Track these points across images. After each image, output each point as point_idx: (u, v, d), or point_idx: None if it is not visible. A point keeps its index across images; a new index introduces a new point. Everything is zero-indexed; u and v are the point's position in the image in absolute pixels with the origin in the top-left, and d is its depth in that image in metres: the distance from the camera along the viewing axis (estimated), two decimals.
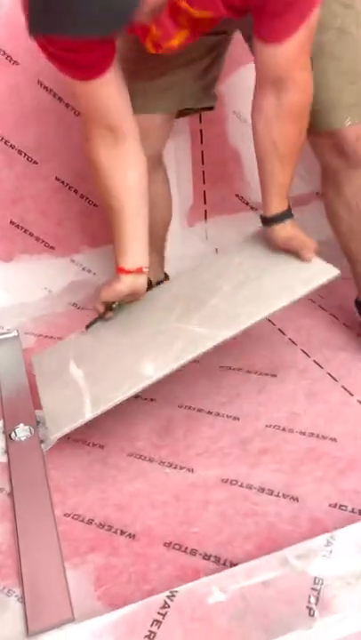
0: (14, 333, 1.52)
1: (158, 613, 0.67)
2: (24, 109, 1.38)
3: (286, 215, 1.09)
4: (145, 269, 1.12)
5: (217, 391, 1.20)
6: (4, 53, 1.32)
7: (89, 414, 0.99)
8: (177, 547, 0.86)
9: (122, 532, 0.89)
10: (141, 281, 1.13)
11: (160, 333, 1.08)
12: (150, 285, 1.34)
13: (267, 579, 0.70)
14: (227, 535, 0.87)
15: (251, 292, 1.07)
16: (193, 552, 0.84)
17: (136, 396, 1.17)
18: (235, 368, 1.27)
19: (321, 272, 1.04)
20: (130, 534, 0.89)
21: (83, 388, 1.05)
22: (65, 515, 0.94)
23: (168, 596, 0.69)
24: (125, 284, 1.12)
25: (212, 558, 0.83)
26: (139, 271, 1.12)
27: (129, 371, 1.03)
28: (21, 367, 1.37)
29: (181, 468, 1.01)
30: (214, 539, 0.86)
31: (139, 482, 0.99)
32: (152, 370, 1.01)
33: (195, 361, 1.03)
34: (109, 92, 0.99)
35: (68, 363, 1.14)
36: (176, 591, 0.70)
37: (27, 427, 1.15)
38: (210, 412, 1.14)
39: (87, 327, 1.20)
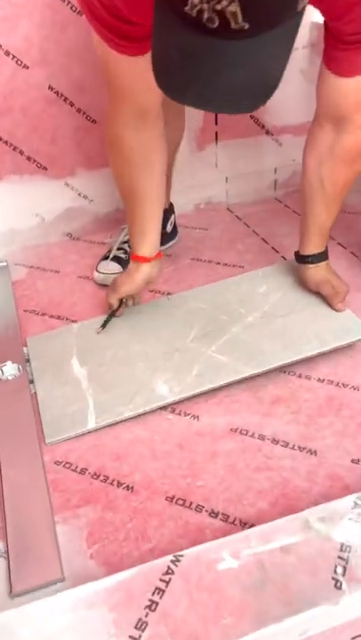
0: (3, 263, 1.39)
1: (161, 580, 0.58)
2: (14, 2, 1.18)
3: (322, 257, 1.07)
4: (161, 254, 1.09)
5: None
6: None
7: (92, 424, 0.89)
8: (180, 502, 0.76)
9: (119, 484, 0.80)
10: (159, 267, 1.09)
11: (176, 351, 1.01)
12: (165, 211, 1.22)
13: (286, 544, 0.61)
14: (236, 491, 0.77)
15: (277, 330, 1.02)
16: (198, 508, 0.75)
17: None
18: None
19: (353, 328, 1.00)
20: (127, 486, 0.79)
21: (86, 390, 0.95)
22: (55, 462, 0.84)
23: (172, 561, 0.60)
24: (145, 272, 1.06)
25: (219, 516, 0.74)
26: (158, 256, 1.07)
27: (140, 385, 0.95)
28: (10, 300, 1.25)
29: (186, 414, 0.91)
30: (222, 494, 0.77)
31: (138, 428, 0.89)
32: (166, 391, 0.93)
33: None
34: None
35: (69, 356, 1.03)
36: (181, 555, 0.61)
37: (15, 365, 1.04)
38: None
39: (103, 326, 1.09)
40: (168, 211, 1.37)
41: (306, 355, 0.96)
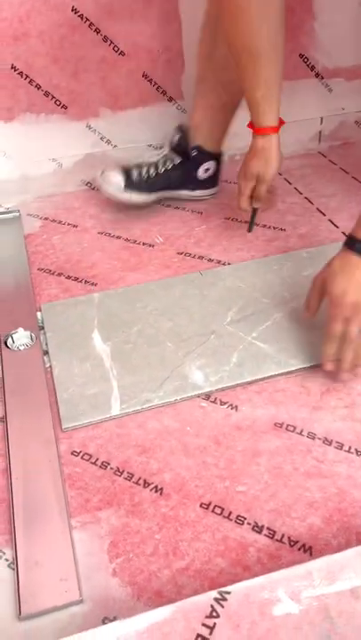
0: (15, 213, 1.25)
1: (204, 625, 0.48)
2: None
3: None
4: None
5: None
6: None
7: (116, 410, 0.78)
8: (218, 510, 0.65)
9: (145, 484, 0.69)
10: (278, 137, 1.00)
11: (212, 334, 0.89)
12: (202, 152, 1.18)
13: (357, 585, 0.50)
14: (283, 500, 0.66)
15: (326, 320, 0.78)
16: (239, 520, 0.64)
17: None
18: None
19: None
20: (156, 487, 0.68)
21: (109, 370, 0.84)
22: (72, 453, 0.73)
23: (217, 599, 0.49)
24: (277, 144, 0.99)
25: (264, 530, 0.63)
26: (278, 129, 0.99)
27: (171, 369, 0.83)
28: (23, 256, 1.12)
29: (222, 402, 0.79)
30: (267, 503, 0.66)
31: (167, 416, 0.77)
32: (201, 379, 0.82)
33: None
34: None
35: (90, 329, 0.92)
36: (227, 592, 0.50)
37: (27, 332, 0.92)
38: None
39: (250, 230, 1.10)
40: (211, 155, 1.21)
41: None
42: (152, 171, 1.18)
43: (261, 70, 0.92)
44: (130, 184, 1.16)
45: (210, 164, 1.22)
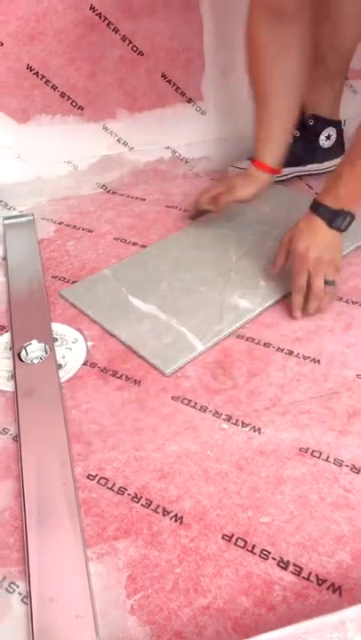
0: (29, 217, 1.22)
1: None
2: None
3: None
4: (280, 171, 1.06)
5: (288, 320, 0.92)
6: None
7: (200, 346, 0.86)
8: (241, 543, 0.62)
9: (165, 512, 0.66)
10: (271, 183, 1.05)
11: (230, 271, 1.02)
12: (319, 119, 1.24)
13: None
14: (310, 533, 0.63)
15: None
16: (264, 554, 0.61)
17: None
18: None
19: None
20: (176, 516, 0.65)
21: (169, 321, 0.92)
22: (88, 476, 0.70)
23: None
24: (265, 182, 1.04)
25: (290, 567, 0.60)
26: (276, 171, 1.03)
27: (221, 304, 0.94)
28: (37, 263, 1.09)
29: (244, 424, 0.75)
30: (293, 536, 0.63)
31: (187, 438, 0.74)
32: (249, 304, 0.94)
33: None
34: None
35: (124, 296, 0.98)
36: None
37: (41, 344, 0.89)
38: (280, 349, 0.87)
39: (192, 218, 1.17)
40: (329, 121, 1.24)
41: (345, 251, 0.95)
42: None
43: (266, 112, 0.98)
44: None
45: (330, 130, 1.25)
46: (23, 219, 1.22)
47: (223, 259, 1.05)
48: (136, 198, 1.28)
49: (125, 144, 1.27)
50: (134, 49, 1.15)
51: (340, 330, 0.89)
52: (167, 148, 1.29)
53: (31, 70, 1.11)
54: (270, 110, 0.98)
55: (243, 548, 0.62)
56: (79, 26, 1.09)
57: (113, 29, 1.11)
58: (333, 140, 1.26)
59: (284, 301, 0.95)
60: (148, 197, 1.28)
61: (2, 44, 1.06)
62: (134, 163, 1.30)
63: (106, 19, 1.09)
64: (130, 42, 1.14)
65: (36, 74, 1.12)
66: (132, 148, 1.28)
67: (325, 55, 1.15)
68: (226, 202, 1.06)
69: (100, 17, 1.09)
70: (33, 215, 1.22)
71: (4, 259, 1.10)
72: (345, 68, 1.20)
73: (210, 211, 1.12)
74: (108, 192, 1.31)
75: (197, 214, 1.16)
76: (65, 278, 1.05)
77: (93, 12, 1.08)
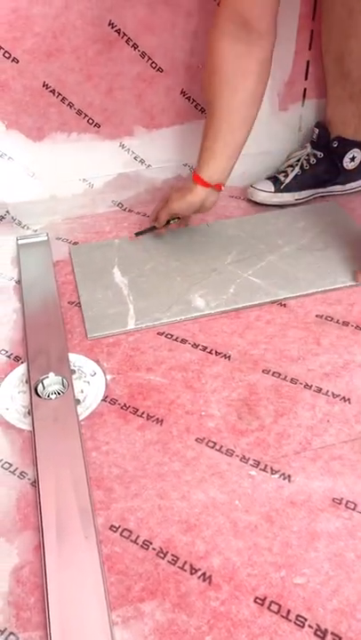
0: (43, 237, 1.19)
1: None
2: None
3: None
4: (222, 188, 1.03)
5: (315, 353, 0.88)
6: None
7: (131, 325, 0.95)
8: (275, 607, 0.59)
9: (192, 570, 0.62)
10: (213, 198, 1.04)
11: (213, 271, 1.06)
12: (343, 141, 1.21)
13: None
14: (347, 596, 0.59)
15: (313, 262, 1.06)
16: (299, 621, 0.58)
17: (204, 348, 0.88)
18: (338, 320, 0.94)
19: None
20: (204, 575, 0.62)
21: (127, 296, 1.01)
22: (111, 528, 0.67)
23: None
24: (200, 196, 1.02)
25: (328, 636, 0.56)
26: (216, 187, 1.02)
27: (178, 296, 1.00)
28: (52, 287, 1.05)
29: (273, 471, 0.72)
30: (330, 600, 0.59)
31: (213, 485, 0.71)
32: (203, 304, 0.98)
33: (280, 303, 0.98)
34: None
35: (111, 266, 1.09)
36: None
37: (58, 377, 0.86)
38: (308, 386, 0.83)
39: (137, 234, 1.16)
40: (354, 143, 1.20)
41: (339, 285, 0.99)
42: (298, 170, 1.21)
43: (213, 126, 0.96)
44: (279, 187, 1.22)
45: (354, 152, 1.21)
46: (37, 238, 1.19)
47: (219, 258, 1.08)
48: None
49: (142, 162, 1.23)
50: (153, 65, 1.11)
51: None
52: (185, 165, 1.26)
53: (47, 88, 1.07)
54: (220, 124, 0.96)
55: (277, 613, 0.58)
56: (97, 42, 1.05)
57: (132, 45, 1.07)
58: (358, 161, 1.22)
59: (249, 314, 0.96)
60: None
61: (17, 62, 1.03)
62: (151, 180, 1.26)
63: (125, 35, 1.06)
64: (149, 58, 1.10)
65: (53, 91, 1.08)
66: (149, 166, 1.24)
67: (351, 72, 1.11)
68: (160, 214, 1.09)
69: (118, 33, 1.05)
70: (47, 235, 1.19)
71: (19, 282, 1.07)
72: None
73: (154, 227, 1.13)
74: (125, 210, 1.27)
75: (143, 231, 1.16)
76: (80, 304, 1.01)
77: (112, 28, 1.04)
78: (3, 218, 1.20)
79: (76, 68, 1.07)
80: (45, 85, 1.07)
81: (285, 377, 0.85)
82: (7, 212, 1.20)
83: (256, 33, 0.88)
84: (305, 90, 1.23)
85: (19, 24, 0.99)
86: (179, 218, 1.11)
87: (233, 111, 0.94)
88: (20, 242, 1.18)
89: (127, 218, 1.25)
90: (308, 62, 1.19)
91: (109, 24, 1.04)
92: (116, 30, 1.05)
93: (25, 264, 1.11)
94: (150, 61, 1.10)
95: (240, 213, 1.24)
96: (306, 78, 1.22)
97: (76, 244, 1.18)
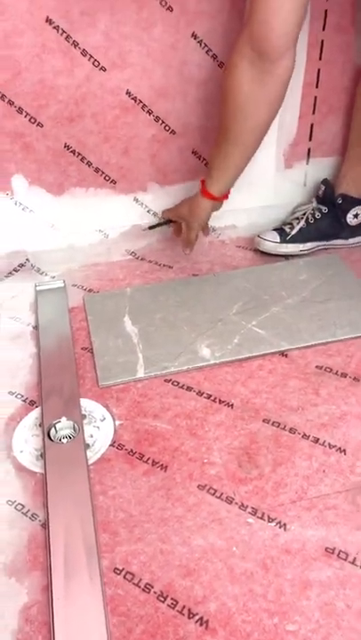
0: (60, 284, 1.26)
1: None
2: None
3: None
4: (228, 196, 1.14)
5: (314, 403, 0.93)
6: None
7: (140, 374, 1.00)
8: None
9: (190, 614, 0.66)
10: (218, 208, 1.16)
11: (219, 321, 1.11)
12: (348, 198, 1.28)
13: None
14: None
15: (314, 313, 1.11)
16: None
17: (209, 396, 0.93)
18: (337, 371, 0.99)
19: None
20: (201, 619, 0.65)
21: (136, 345, 1.07)
22: (115, 570, 0.71)
23: None
24: (206, 209, 1.14)
25: None
26: (224, 197, 1.13)
27: (185, 346, 1.06)
28: (68, 334, 1.11)
29: (270, 519, 0.76)
30: None
31: (212, 532, 0.75)
32: (208, 354, 1.03)
33: (282, 354, 1.03)
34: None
35: (122, 314, 1.15)
36: None
37: (70, 422, 0.91)
38: (305, 436, 0.87)
39: (150, 228, 1.27)
40: (358, 200, 1.28)
41: (339, 338, 1.05)
42: (303, 223, 1.28)
43: (224, 146, 1.05)
44: (285, 238, 1.28)
45: (358, 209, 1.28)
46: (55, 285, 1.26)
47: (225, 309, 1.14)
48: (164, 265, 1.32)
49: (155, 214, 1.31)
50: (167, 128, 1.19)
51: None
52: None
53: (68, 149, 1.16)
54: (231, 146, 1.04)
55: None
56: (115, 109, 1.14)
57: (147, 111, 1.16)
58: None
59: (252, 364, 1.02)
60: (175, 265, 1.31)
61: (42, 126, 1.12)
62: (164, 231, 1.34)
63: (141, 102, 1.15)
64: (163, 122, 1.18)
65: (73, 152, 1.17)
66: (162, 218, 1.32)
67: None
68: (166, 214, 1.22)
69: (135, 100, 1.14)
70: (64, 281, 1.26)
71: (36, 327, 1.14)
72: None
73: (167, 222, 1.24)
74: (138, 259, 1.34)
75: (155, 225, 1.27)
76: (93, 351, 1.07)
77: (129, 96, 1.13)
78: (23, 265, 1.28)
79: (95, 130, 1.16)
80: (66, 146, 1.16)
81: (285, 426, 0.89)
82: (27, 259, 1.28)
83: (269, 61, 0.91)
84: (309, 149, 1.31)
85: (44, 93, 1.09)
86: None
87: (244, 136, 1.02)
88: (38, 288, 1.25)
89: (140, 266, 1.32)
90: (311, 125, 1.27)
91: (127, 92, 1.13)
92: (132, 98, 1.14)
93: (42, 310, 1.18)
94: (164, 125, 1.19)
95: (247, 263, 1.30)
96: (310, 139, 1.30)
97: (90, 290, 1.24)
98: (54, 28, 1.02)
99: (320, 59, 1.18)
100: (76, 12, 1.02)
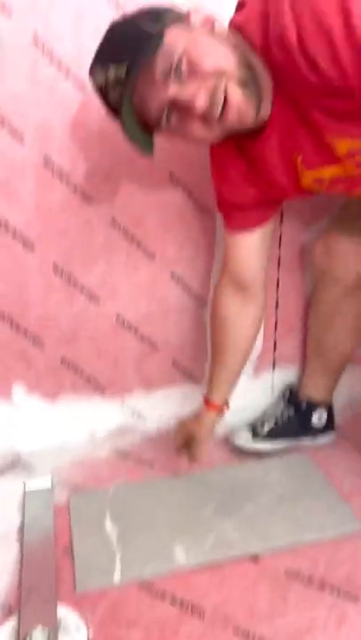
0: (47, 485, 1.33)
1: None
2: (94, 246, 1.29)
3: None
4: (228, 406, 1.26)
5: (282, 612, 0.96)
6: None
7: (117, 580, 1.04)
8: None
9: None
10: (220, 419, 1.25)
11: (195, 522, 1.19)
12: (311, 403, 1.42)
13: None
14: None
15: (285, 515, 1.19)
16: None
17: (182, 603, 0.97)
18: (305, 577, 1.03)
19: (349, 521, 1.17)
20: None
21: (115, 548, 1.11)
22: None
23: None
24: (211, 419, 1.23)
25: None
26: (225, 406, 1.25)
27: (161, 548, 1.11)
28: (50, 537, 1.16)
29: None
30: None
31: None
32: (184, 557, 1.09)
33: (252, 557, 1.09)
34: (252, 247, 1.12)
35: (104, 514, 1.22)
36: None
37: (45, 630, 0.93)
38: None
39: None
40: (320, 403, 1.41)
41: (307, 541, 1.11)
42: (272, 423, 1.40)
43: (218, 360, 1.22)
44: (256, 436, 1.40)
45: (321, 412, 1.40)
46: (42, 485, 1.32)
47: (201, 507, 1.22)
48: (146, 462, 1.41)
49: (140, 416, 1.45)
50: (150, 344, 1.40)
51: (332, 628, 0.93)
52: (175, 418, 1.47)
53: (64, 363, 1.35)
54: (226, 359, 1.21)
55: None
56: (106, 330, 1.36)
57: (134, 331, 1.38)
58: (324, 420, 1.41)
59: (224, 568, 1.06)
60: (155, 463, 1.41)
61: (43, 347, 1.32)
62: (147, 431, 1.47)
63: (129, 324, 1.37)
64: (148, 339, 1.39)
65: (68, 365, 1.36)
66: (145, 419, 1.46)
67: (329, 353, 1.38)
68: (178, 439, 1.27)
69: (123, 324, 1.37)
70: (52, 479, 1.34)
71: (21, 529, 1.19)
72: (344, 365, 1.40)
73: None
74: (122, 457, 1.44)
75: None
76: (73, 553, 1.12)
77: (118, 320, 1.36)
78: (14, 464, 1.38)
79: (88, 348, 1.37)
80: (63, 361, 1.35)
81: (254, 637, 0.92)
82: (20, 458, 1.38)
83: (248, 293, 1.16)
84: (274, 360, 1.51)
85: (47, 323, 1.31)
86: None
87: (235, 350, 1.21)
88: (27, 489, 1.31)
89: (124, 463, 1.42)
90: (275, 342, 1.48)
91: (117, 319, 1.35)
92: (121, 322, 1.36)
93: (28, 510, 1.24)
94: (148, 341, 1.40)
95: (222, 461, 1.40)
96: (275, 350, 1.50)
97: (76, 487, 1.32)
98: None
99: (277, 289, 1.44)
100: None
